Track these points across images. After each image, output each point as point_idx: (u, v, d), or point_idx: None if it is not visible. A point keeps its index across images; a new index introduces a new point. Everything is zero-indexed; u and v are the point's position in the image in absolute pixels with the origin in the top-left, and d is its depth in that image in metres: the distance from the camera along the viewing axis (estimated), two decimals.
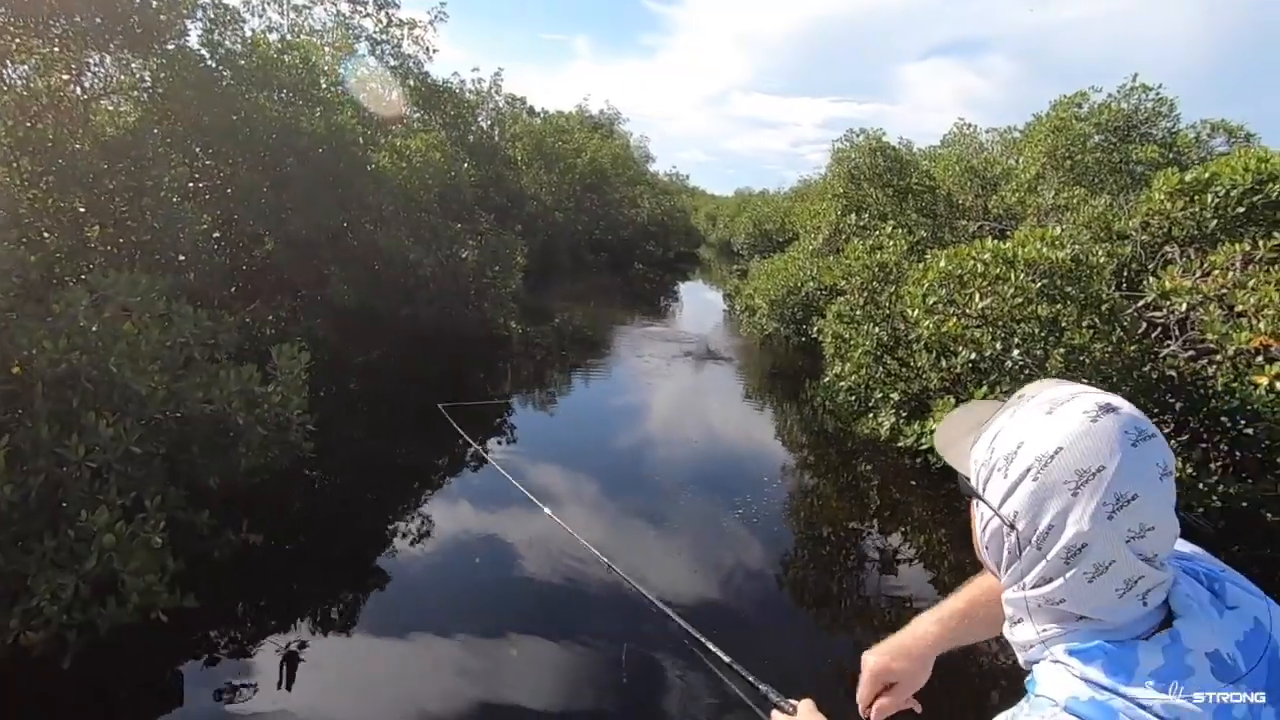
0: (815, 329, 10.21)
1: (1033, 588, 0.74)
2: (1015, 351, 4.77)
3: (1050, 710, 0.68)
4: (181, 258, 6.32)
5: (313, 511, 4.84)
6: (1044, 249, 4.54)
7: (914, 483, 6.32)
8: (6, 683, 2.71)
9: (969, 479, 0.80)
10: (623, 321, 14.32)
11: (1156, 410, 5.10)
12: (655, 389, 9.29)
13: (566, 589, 4.15)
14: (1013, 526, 0.73)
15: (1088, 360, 4.44)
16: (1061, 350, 4.42)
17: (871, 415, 6.33)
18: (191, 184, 6.84)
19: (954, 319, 4.83)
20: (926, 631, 1.08)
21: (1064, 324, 4.50)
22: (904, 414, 6.05)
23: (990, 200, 11.10)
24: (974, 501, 0.80)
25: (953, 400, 5.13)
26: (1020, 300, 4.34)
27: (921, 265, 5.05)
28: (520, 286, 11.89)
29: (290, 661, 3.24)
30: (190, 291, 6.90)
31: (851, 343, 6.49)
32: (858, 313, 6.40)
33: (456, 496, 5.46)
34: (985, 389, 4.77)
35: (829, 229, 12.03)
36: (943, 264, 4.81)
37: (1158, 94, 9.15)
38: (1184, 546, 0.79)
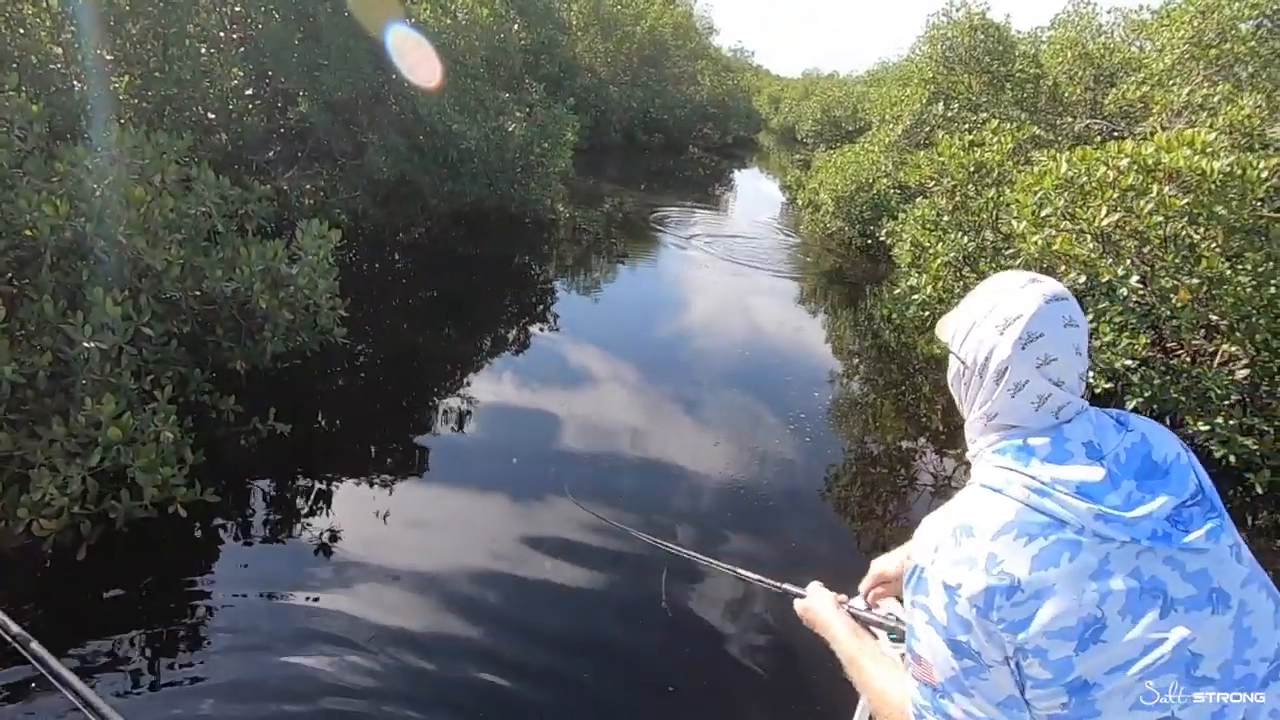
0: (884, 232, 9.40)
1: (978, 409, 1.04)
2: (1134, 278, 4.12)
3: (972, 488, 1.00)
4: (211, 115, 5.89)
5: (345, 399, 4.63)
6: (1195, 158, 3.77)
7: None
8: (19, 572, 2.60)
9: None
10: (675, 210, 13.57)
11: None
12: (704, 285, 8.79)
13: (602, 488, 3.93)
14: (964, 363, 1.05)
15: (1226, 296, 3.79)
16: (1194, 281, 3.77)
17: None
18: (222, 34, 6.28)
19: (1065, 235, 4.16)
20: None
21: (1203, 251, 3.81)
22: None
23: (1105, 94, 9.75)
24: (950, 359, 1.09)
25: None
26: (1159, 219, 3.65)
27: (1035, 169, 4.31)
28: (569, 166, 11.20)
29: (321, 552, 3.10)
30: (223, 155, 6.52)
31: (931, 252, 5.82)
32: (945, 219, 5.69)
33: (499, 382, 5.22)
34: (1090, 319, 4.18)
35: (911, 119, 10.90)
36: (1064, 169, 4.08)
37: None
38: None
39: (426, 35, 6.71)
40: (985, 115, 10.01)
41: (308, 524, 3.27)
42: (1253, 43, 6.92)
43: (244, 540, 3.13)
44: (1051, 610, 0.88)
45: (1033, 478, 0.93)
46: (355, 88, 6.12)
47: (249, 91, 6.40)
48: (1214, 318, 3.97)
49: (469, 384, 5.18)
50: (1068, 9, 12.11)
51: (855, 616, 1.34)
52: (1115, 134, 8.95)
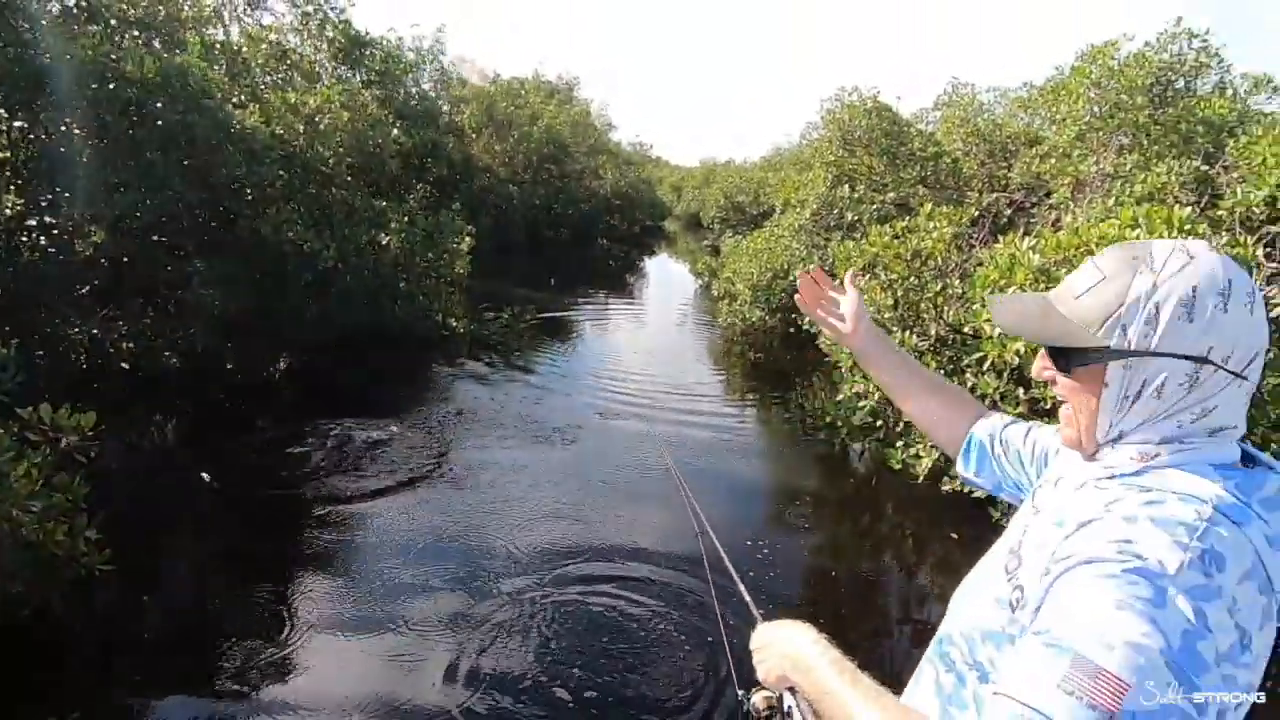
0: (807, 319, 8.81)
1: (1194, 404, 0.78)
2: None
3: (1200, 507, 0.72)
4: None
5: (109, 661, 3.16)
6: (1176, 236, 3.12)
7: (946, 521, 5.03)
8: None
9: (1101, 348, 0.80)
10: (586, 309, 12.75)
11: None
12: (622, 398, 7.78)
13: None
14: (1205, 359, 0.76)
15: None
16: None
17: (902, 446, 4.92)
18: None
19: None
20: (878, 331, 1.35)
21: None
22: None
23: (1000, 169, 9.75)
24: (1113, 366, 0.80)
25: None
26: None
27: (997, 258, 3.60)
28: (467, 271, 10.20)
29: None
30: (9, 299, 5.14)
31: None
32: (885, 314, 4.96)
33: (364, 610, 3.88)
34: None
35: (817, 202, 10.62)
36: (1035, 260, 3.37)
37: (1204, 41, 7.79)
38: None
39: (266, 144, 5.66)
40: (891, 195, 9.86)
41: None
42: (1147, 110, 6.85)
43: None
44: (1250, 678, 0.73)
45: (1264, 521, 0.74)
46: (163, 209, 4.93)
47: (31, 222, 5.10)
48: None
49: (320, 622, 3.84)
50: (947, 90, 12.48)
51: None
52: (1022, 206, 8.84)
